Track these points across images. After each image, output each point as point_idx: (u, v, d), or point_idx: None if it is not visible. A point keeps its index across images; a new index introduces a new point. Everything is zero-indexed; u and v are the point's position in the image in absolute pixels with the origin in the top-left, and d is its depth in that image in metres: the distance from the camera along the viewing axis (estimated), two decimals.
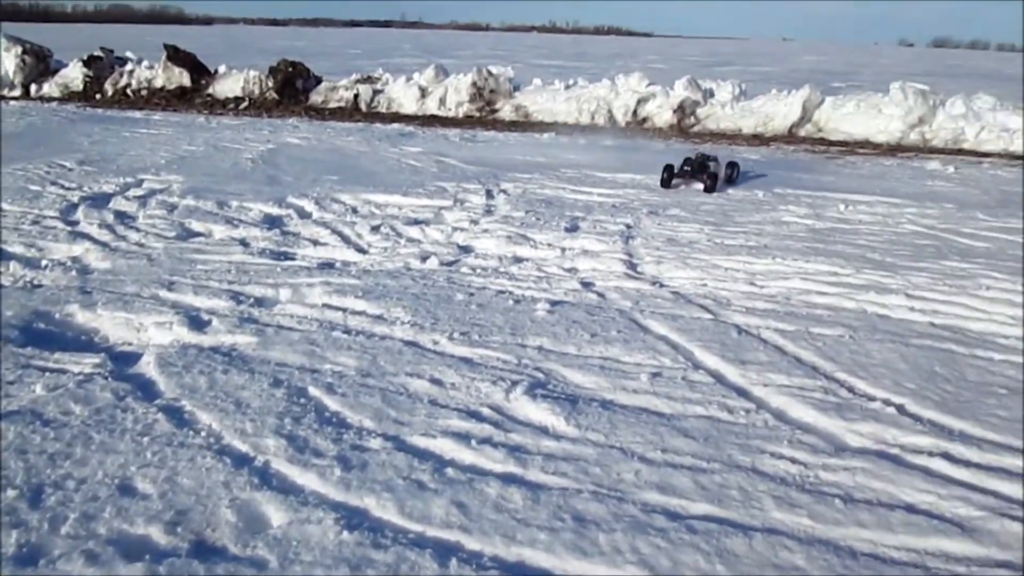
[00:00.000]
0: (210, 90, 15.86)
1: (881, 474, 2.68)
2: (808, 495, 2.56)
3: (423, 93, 15.15)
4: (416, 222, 6.07)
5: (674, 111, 13.79)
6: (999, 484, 2.67)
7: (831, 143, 12.71)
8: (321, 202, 6.61)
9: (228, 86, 15.82)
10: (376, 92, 15.42)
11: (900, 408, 3.18)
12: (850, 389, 3.35)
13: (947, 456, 2.81)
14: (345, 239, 5.59)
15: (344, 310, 4.12)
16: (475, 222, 6.10)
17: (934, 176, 9.40)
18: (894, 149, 12.27)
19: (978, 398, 3.32)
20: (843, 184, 8.40)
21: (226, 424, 2.87)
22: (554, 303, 4.29)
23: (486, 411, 3.04)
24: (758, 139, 12.95)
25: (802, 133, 13.41)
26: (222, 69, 16.34)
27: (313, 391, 3.16)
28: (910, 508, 2.52)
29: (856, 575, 2.22)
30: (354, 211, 6.43)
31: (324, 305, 4.21)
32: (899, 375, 3.49)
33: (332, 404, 3.07)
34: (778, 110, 13.71)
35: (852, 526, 2.42)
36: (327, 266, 4.98)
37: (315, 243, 5.49)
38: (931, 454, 2.81)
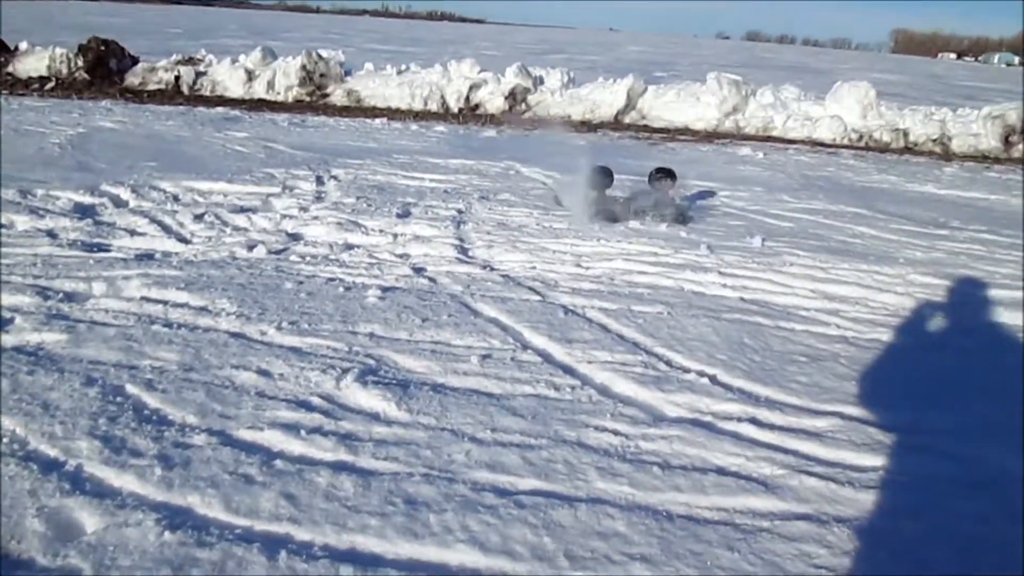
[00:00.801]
0: (10, 68, 14.59)
1: (695, 440, 2.86)
2: (629, 464, 2.71)
3: (250, 76, 14.60)
4: (242, 210, 5.87)
5: (505, 97, 13.99)
6: (799, 444, 2.91)
7: (654, 130, 13.32)
8: (139, 190, 6.25)
9: (31, 64, 14.60)
10: (199, 74, 14.71)
11: (713, 378, 3.40)
12: (668, 363, 3.55)
13: (754, 421, 3.04)
14: (166, 228, 5.33)
15: (165, 303, 3.93)
16: (304, 209, 5.97)
17: (746, 161, 10.06)
18: (711, 135, 13.01)
19: (781, 366, 3.60)
20: None
21: (32, 428, 2.69)
22: (386, 289, 4.28)
23: (316, 400, 3.00)
24: (586, 125, 13.36)
25: (627, 120, 13.97)
26: (24, 46, 15.06)
27: (131, 388, 3.01)
28: (720, 471, 2.72)
29: (673, 536, 2.37)
30: (175, 199, 6.13)
31: (143, 298, 4.00)
32: (712, 347, 3.74)
33: (152, 401, 2.93)
34: (605, 98, 14.19)
35: (669, 491, 2.58)
36: (146, 257, 4.72)
37: (132, 233, 5.20)
38: (740, 420, 3.04)
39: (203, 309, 3.89)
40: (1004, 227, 6.95)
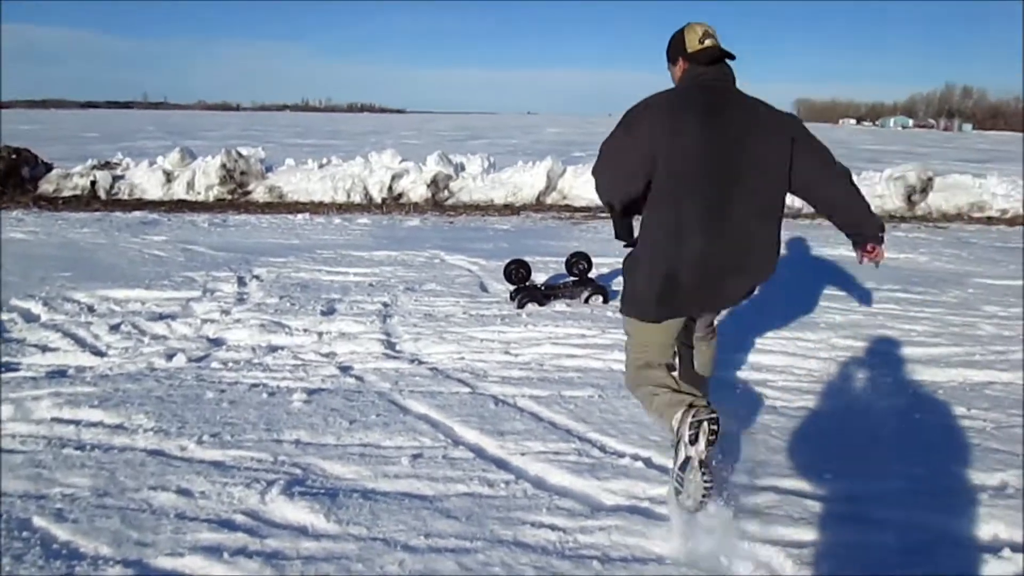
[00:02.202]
0: None
1: (634, 529, 2.82)
2: (568, 560, 2.64)
3: (169, 177, 14.44)
4: (161, 317, 5.71)
5: (428, 185, 14.10)
6: (738, 521, 2.89)
7: (575, 209, 13.55)
8: (51, 302, 6.04)
9: None
10: (116, 178, 14.47)
11: (647, 461, 3.38)
12: (602, 448, 3.52)
13: None
14: (80, 342, 5.14)
15: (77, 423, 3.76)
16: (226, 312, 5.84)
17: None
18: None
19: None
20: (588, 248, 8.91)
21: None
22: (311, 392, 4.18)
23: (240, 518, 2.87)
24: (509, 209, 13.52)
25: (549, 201, 14.19)
26: None
27: (38, 521, 2.83)
28: (660, 559, 2.67)
29: None
30: (90, 310, 5.93)
31: (53, 419, 3.81)
32: (644, 429, 3.72)
33: (62, 534, 2.76)
34: (526, 180, 14.42)
35: None
36: (58, 374, 4.53)
37: (44, 349, 4.99)
38: None
39: (119, 427, 3.72)
40: (915, 285, 7.21)
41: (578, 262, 6.50)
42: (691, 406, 2.72)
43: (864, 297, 6.61)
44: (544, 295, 6.22)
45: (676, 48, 3.11)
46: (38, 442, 3.53)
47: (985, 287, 7.22)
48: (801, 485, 3.21)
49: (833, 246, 9.31)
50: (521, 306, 6.02)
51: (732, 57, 3.01)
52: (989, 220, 13.51)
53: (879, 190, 14.44)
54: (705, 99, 2.93)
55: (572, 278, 6.47)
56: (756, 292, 3.27)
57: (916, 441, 3.69)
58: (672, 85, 3.12)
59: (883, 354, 5.04)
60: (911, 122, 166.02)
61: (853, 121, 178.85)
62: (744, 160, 2.86)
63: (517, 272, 6.27)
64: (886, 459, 3.47)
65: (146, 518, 2.87)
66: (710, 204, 2.84)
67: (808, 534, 2.84)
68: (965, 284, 7.34)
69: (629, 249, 3.15)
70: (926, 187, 14.46)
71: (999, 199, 14.33)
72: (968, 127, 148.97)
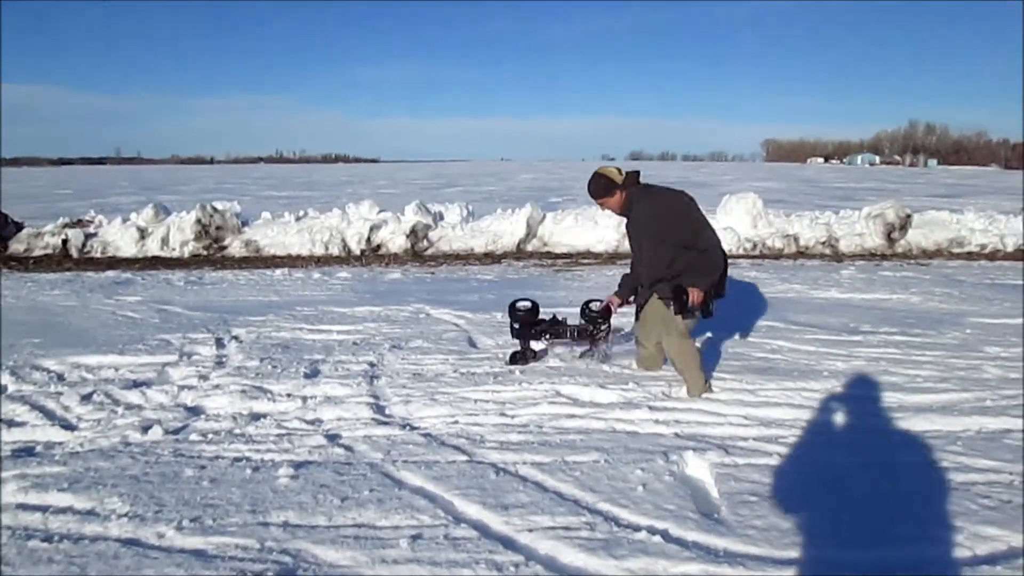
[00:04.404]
0: None
1: None
2: None
3: (142, 234, 14.15)
4: (135, 384, 5.41)
5: (407, 236, 13.93)
6: None
7: (557, 256, 13.43)
8: (18, 372, 5.72)
9: None
10: (88, 236, 14.16)
11: (664, 534, 3.14)
12: (614, 520, 3.28)
13: None
14: (48, 415, 4.83)
15: (44, 509, 3.46)
16: (205, 377, 5.56)
17: None
18: (612, 257, 13.19)
19: (732, 509, 3.38)
20: (576, 297, 8.75)
21: None
22: (298, 465, 3.90)
23: None
24: (490, 257, 13.36)
25: (530, 248, 14.06)
26: None
27: None
28: None
29: None
30: (60, 378, 5.62)
31: (18, 506, 3.51)
32: (657, 497, 3.49)
33: None
34: (505, 228, 14.30)
35: None
36: (24, 453, 4.22)
37: (10, 424, 4.68)
38: None
39: (90, 513, 3.43)
40: (911, 327, 7.07)
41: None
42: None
43: (863, 342, 6.46)
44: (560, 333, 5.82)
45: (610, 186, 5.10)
46: (1, 533, 3.24)
47: (983, 327, 7.09)
48: (832, 555, 2.99)
49: (824, 288, 9.21)
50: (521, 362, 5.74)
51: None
52: (969, 255, 13.54)
53: (858, 228, 14.47)
54: None
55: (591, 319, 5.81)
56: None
57: (945, 501, 3.47)
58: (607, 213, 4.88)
59: (893, 403, 4.85)
60: (878, 159, 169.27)
61: (821, 160, 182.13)
62: None
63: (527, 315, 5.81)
64: (918, 522, 3.26)
65: None
66: None
67: None
68: (962, 324, 7.21)
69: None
70: (905, 224, 14.51)
71: (977, 234, 14.40)
72: (933, 162, 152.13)
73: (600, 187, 5.11)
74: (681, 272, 4.89)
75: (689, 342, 5.08)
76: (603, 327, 5.73)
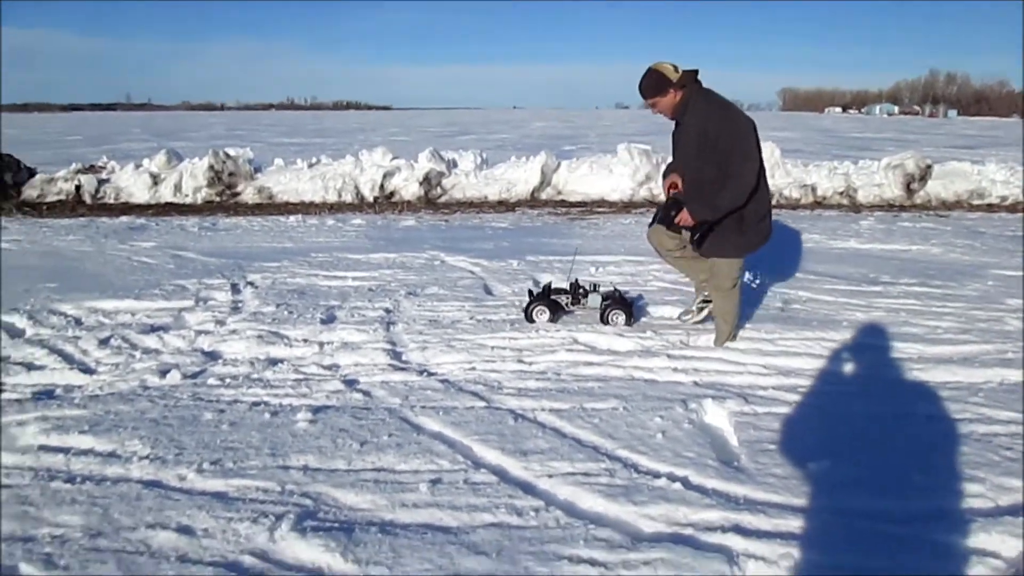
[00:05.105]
0: None
1: (681, 562, 2.57)
2: None
3: (155, 180, 14.10)
4: (153, 329, 5.42)
5: (420, 183, 13.82)
6: (789, 550, 2.65)
7: (571, 204, 13.31)
8: (36, 316, 5.74)
9: None
10: (102, 182, 14.12)
11: (685, 481, 3.13)
12: (634, 467, 3.27)
13: (738, 529, 2.77)
14: (67, 358, 4.85)
15: (66, 451, 3.48)
16: (221, 322, 5.56)
17: None
18: (628, 206, 13.07)
19: (752, 457, 3.37)
20: (590, 246, 8.71)
21: None
22: (316, 410, 3.91)
23: (248, 560, 2.61)
24: (504, 205, 13.27)
25: (544, 196, 13.94)
26: None
27: (25, 569, 2.57)
28: None
29: None
30: (78, 323, 5.64)
31: (40, 448, 3.53)
32: (677, 444, 3.48)
33: None
34: (519, 176, 14.17)
35: None
36: (45, 395, 4.24)
37: (29, 367, 4.70)
38: (723, 530, 2.77)
39: (111, 455, 3.45)
40: (932, 278, 6.99)
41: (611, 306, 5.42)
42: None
43: (883, 292, 6.39)
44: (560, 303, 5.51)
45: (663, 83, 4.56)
46: (23, 475, 3.26)
47: (1004, 279, 7.00)
48: (851, 503, 2.98)
49: (843, 238, 9.11)
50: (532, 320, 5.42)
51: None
52: (990, 207, 13.35)
53: (878, 179, 14.26)
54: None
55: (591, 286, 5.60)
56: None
57: (966, 452, 3.44)
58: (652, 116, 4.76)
59: (913, 354, 4.81)
60: (896, 109, 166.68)
61: (839, 109, 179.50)
62: None
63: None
64: (938, 474, 3.24)
65: (144, 562, 2.61)
66: None
67: (865, 558, 2.60)
68: (983, 276, 7.13)
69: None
70: (925, 175, 14.29)
71: (998, 186, 14.17)
72: (953, 113, 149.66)
73: (652, 84, 4.55)
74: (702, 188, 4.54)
75: (737, 293, 4.89)
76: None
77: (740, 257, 4.83)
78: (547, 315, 5.43)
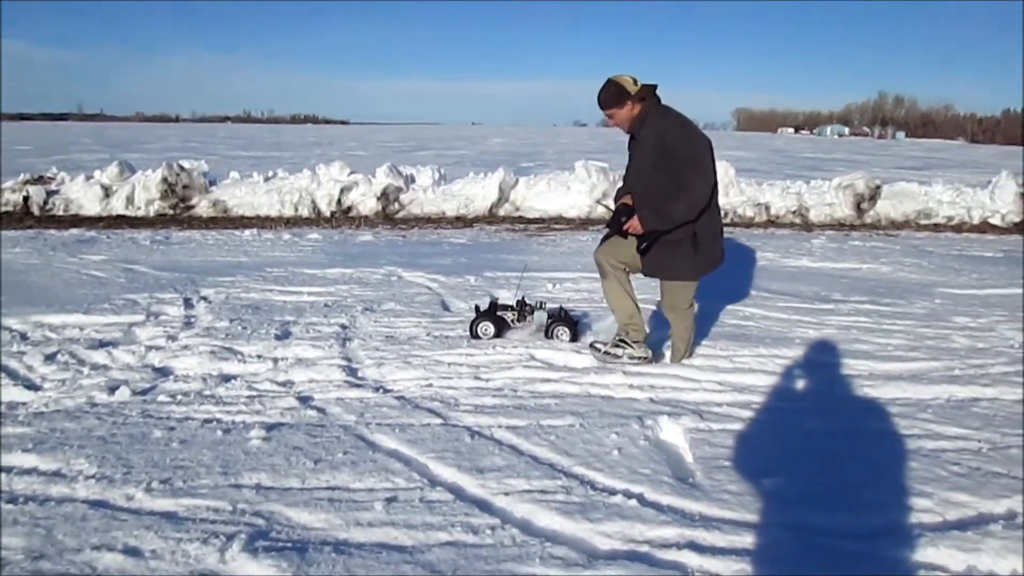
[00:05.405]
0: None
1: None
2: None
3: (107, 192, 13.82)
4: (101, 344, 5.30)
5: (378, 198, 13.76)
6: (742, 566, 2.67)
7: (529, 221, 13.35)
8: None
9: None
10: (51, 193, 13.81)
11: (640, 498, 3.14)
12: (590, 484, 3.27)
13: (693, 546, 2.78)
14: (11, 374, 4.72)
15: (9, 471, 3.37)
16: (173, 338, 5.46)
17: None
18: (585, 223, 13.13)
19: (707, 474, 3.38)
20: (548, 263, 8.74)
21: None
22: (270, 427, 3.85)
23: None
24: (462, 221, 13.26)
25: (502, 213, 13.96)
26: None
27: None
28: None
29: None
30: (23, 337, 5.49)
31: None
32: (633, 461, 3.49)
33: None
34: (477, 192, 14.18)
35: None
36: None
37: None
38: (679, 546, 2.77)
39: (56, 474, 3.36)
40: (881, 296, 7.14)
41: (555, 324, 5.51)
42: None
43: (834, 310, 6.50)
44: (505, 320, 5.56)
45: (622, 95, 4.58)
46: None
47: (951, 297, 7.18)
48: (804, 519, 3.01)
49: (796, 257, 9.26)
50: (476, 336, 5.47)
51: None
52: (936, 227, 13.68)
53: (829, 198, 14.54)
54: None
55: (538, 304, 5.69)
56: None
57: (915, 467, 3.50)
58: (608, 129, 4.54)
59: (864, 371, 4.89)
60: (847, 130, 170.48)
61: (791, 130, 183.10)
62: None
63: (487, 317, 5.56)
64: (888, 489, 3.29)
65: None
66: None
67: (818, 574, 2.63)
68: (931, 295, 7.30)
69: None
70: (874, 195, 14.61)
71: (945, 206, 14.54)
72: (901, 135, 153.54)
73: (610, 95, 4.57)
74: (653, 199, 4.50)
75: (692, 312, 4.95)
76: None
77: (695, 280, 4.85)
78: (492, 331, 5.49)
